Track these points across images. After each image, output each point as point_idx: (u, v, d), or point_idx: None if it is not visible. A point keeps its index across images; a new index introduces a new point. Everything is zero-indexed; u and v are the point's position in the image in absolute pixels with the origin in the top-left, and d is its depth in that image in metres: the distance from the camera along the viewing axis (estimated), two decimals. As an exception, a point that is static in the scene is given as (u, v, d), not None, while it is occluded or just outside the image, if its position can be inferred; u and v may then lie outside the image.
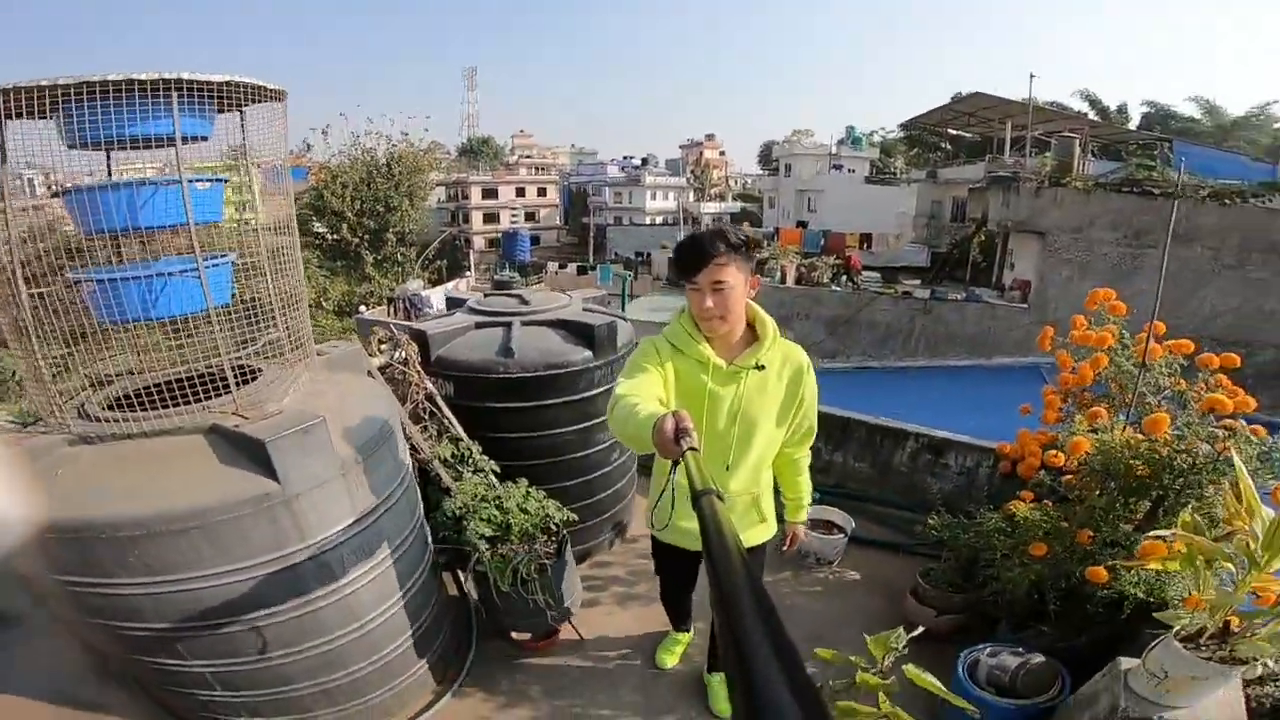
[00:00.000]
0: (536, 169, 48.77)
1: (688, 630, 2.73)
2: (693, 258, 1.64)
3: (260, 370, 2.18)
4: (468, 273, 28.95)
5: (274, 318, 2.13)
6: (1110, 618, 2.42)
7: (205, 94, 1.90)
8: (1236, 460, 1.86)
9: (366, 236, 23.12)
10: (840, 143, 33.84)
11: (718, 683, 2.53)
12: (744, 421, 1.80)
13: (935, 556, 3.38)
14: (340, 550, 1.93)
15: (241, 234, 2.09)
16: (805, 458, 2.10)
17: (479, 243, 38.04)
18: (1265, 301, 10.74)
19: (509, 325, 3.01)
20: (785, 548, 2.29)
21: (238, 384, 1.96)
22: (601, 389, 3.04)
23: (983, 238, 15.23)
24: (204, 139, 2.07)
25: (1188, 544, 1.79)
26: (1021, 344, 12.24)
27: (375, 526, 2.05)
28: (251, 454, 1.75)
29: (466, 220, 39.81)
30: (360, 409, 2.19)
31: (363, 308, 19.87)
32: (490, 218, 40.42)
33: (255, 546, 1.77)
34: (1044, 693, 2.31)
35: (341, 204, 22.10)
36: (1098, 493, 2.46)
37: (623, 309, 7.16)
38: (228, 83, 1.88)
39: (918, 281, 15.59)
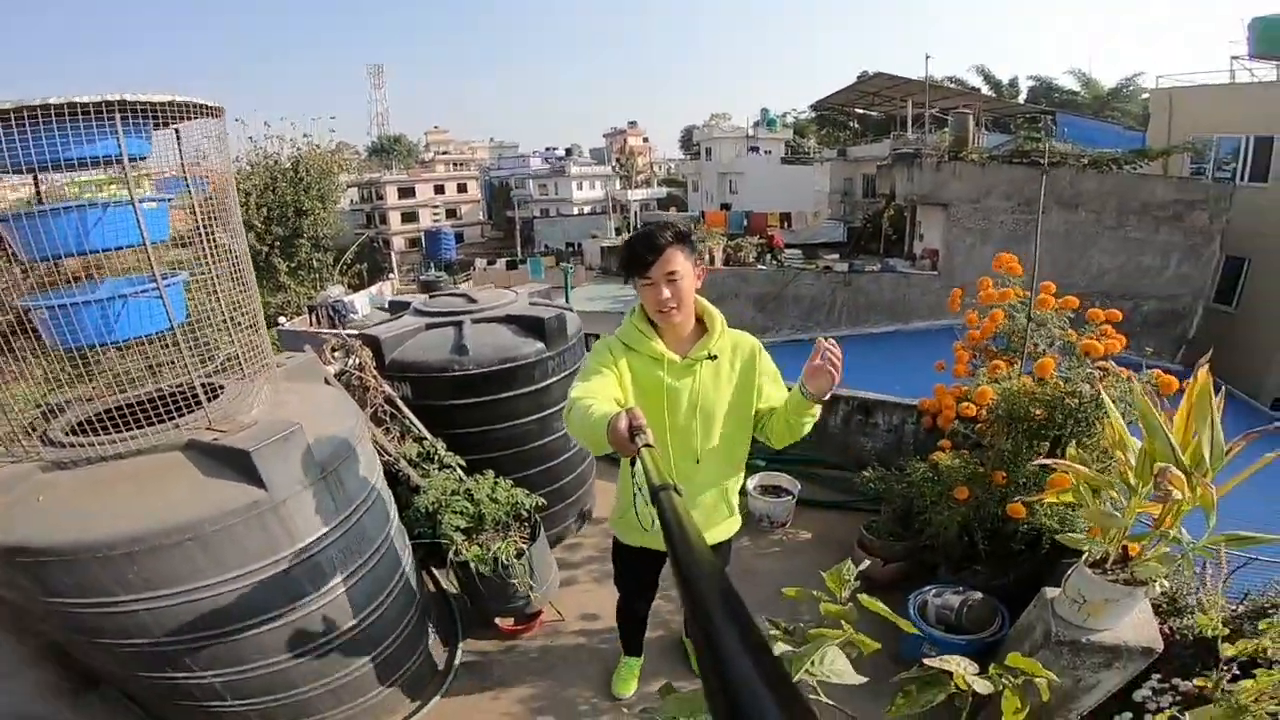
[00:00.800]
0: (454, 165, 47.52)
1: (639, 656, 2.65)
2: (644, 252, 1.66)
3: (221, 386, 2.19)
4: (390, 275, 27.99)
5: (230, 332, 2.15)
6: (1032, 554, 2.70)
7: (145, 113, 1.90)
8: (1105, 398, 2.15)
9: (277, 244, 21.99)
10: (756, 125, 34.66)
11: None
12: (704, 412, 1.82)
13: (875, 510, 3.70)
14: (329, 552, 2.00)
15: (198, 247, 2.08)
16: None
17: (399, 243, 36.83)
18: (1144, 258, 11.96)
19: (460, 324, 3.09)
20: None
21: (207, 399, 1.98)
22: (555, 378, 3.17)
23: (893, 212, 16.11)
24: (143, 158, 2.05)
25: (1074, 474, 2.02)
26: (935, 308, 13.07)
27: (358, 526, 2.12)
28: (236, 465, 1.80)
29: (384, 221, 38.45)
30: (326, 415, 2.24)
31: (281, 319, 18.94)
32: (409, 217, 39.19)
33: (249, 554, 1.82)
34: (987, 628, 2.55)
35: (246, 212, 20.92)
36: (1005, 437, 2.78)
37: (566, 300, 7.23)
38: (170, 103, 1.88)
39: (836, 256, 16.30)
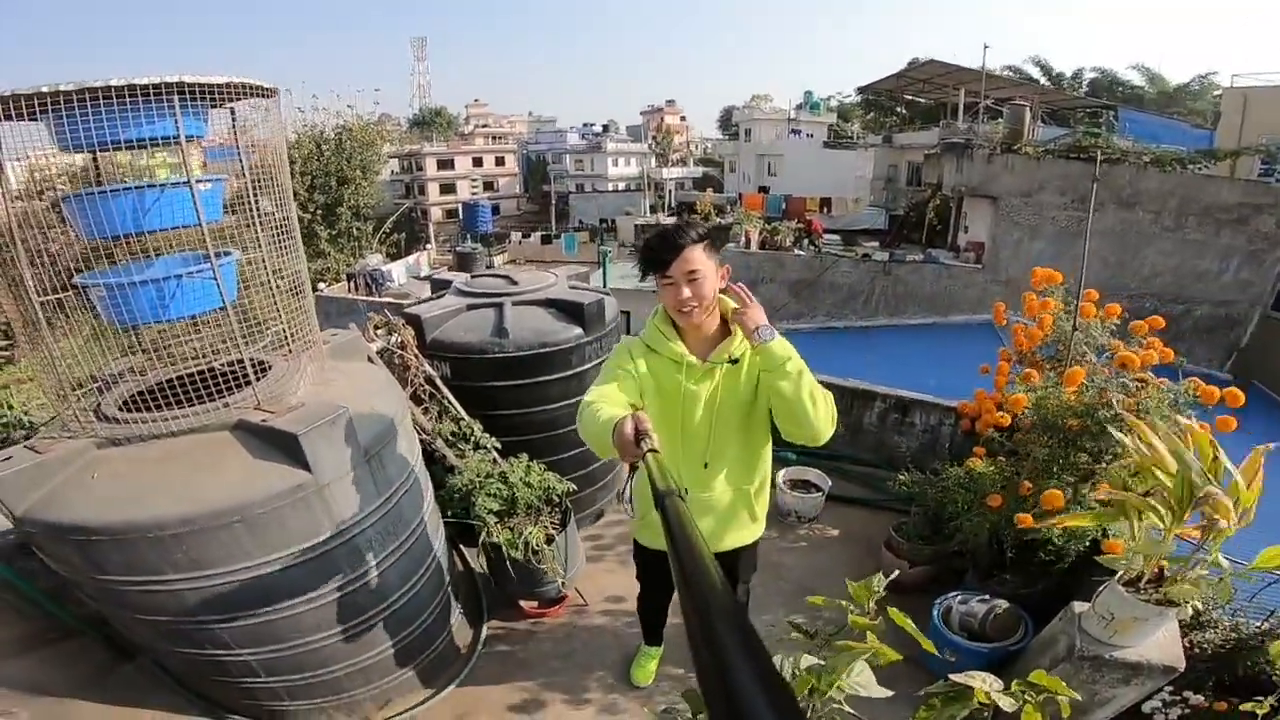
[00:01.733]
0: (493, 138, 47.55)
1: (659, 645, 2.68)
2: (663, 250, 1.63)
3: (268, 364, 2.25)
4: (428, 245, 28.37)
5: (279, 310, 2.20)
6: (1060, 565, 2.65)
7: (201, 94, 1.93)
8: (1130, 419, 2.05)
9: (319, 212, 22.41)
10: (798, 107, 33.91)
11: None
12: (721, 417, 1.78)
13: (905, 511, 3.65)
14: (368, 533, 2.05)
15: (246, 225, 2.13)
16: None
17: (436, 214, 37.18)
18: (1200, 262, 11.41)
19: (500, 306, 3.11)
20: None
21: (256, 377, 2.04)
22: (592, 363, 3.19)
23: (938, 202, 15.64)
24: (200, 138, 2.10)
25: (1119, 500, 1.96)
26: (977, 302, 12.71)
27: (396, 508, 2.17)
28: (283, 447, 1.84)
29: (422, 192, 38.77)
30: (371, 396, 2.29)
31: (321, 284, 19.37)
32: (447, 189, 39.45)
33: (293, 535, 1.87)
34: (1010, 636, 2.52)
35: (290, 180, 21.30)
36: (1041, 446, 2.71)
37: (604, 284, 7.18)
38: (227, 84, 1.91)
39: (876, 244, 15.94)
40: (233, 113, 2.17)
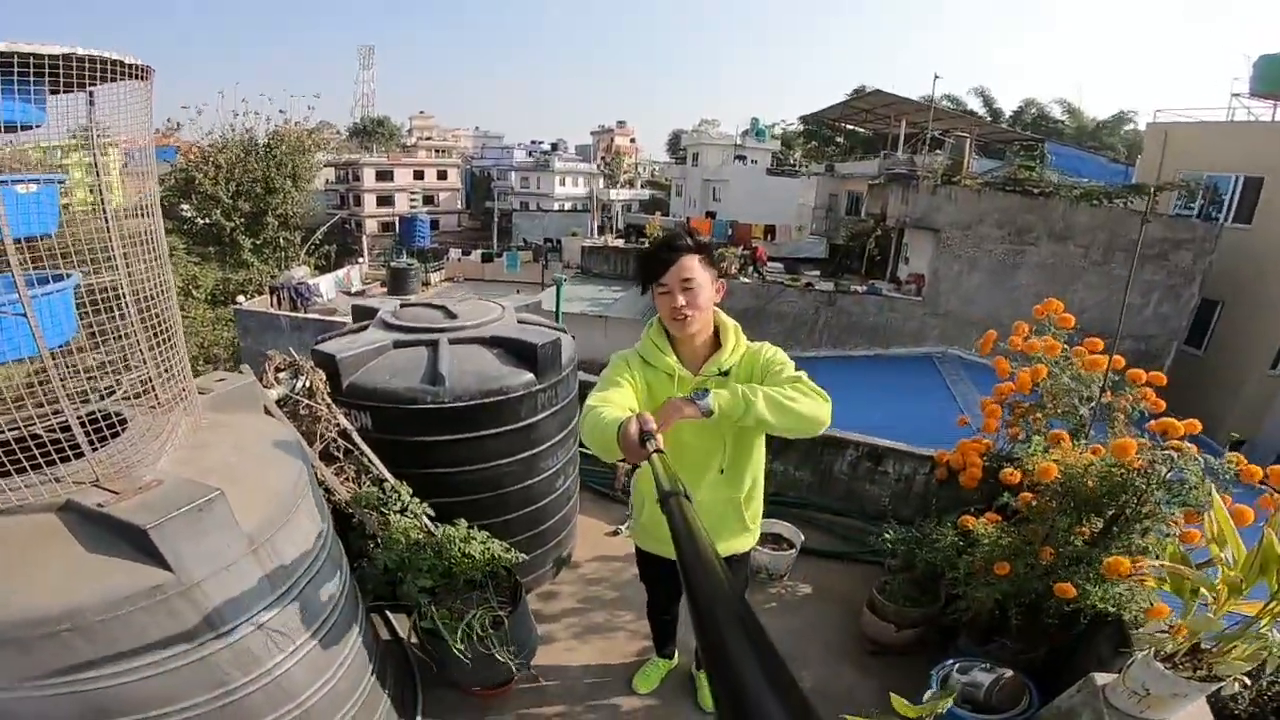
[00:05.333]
0: (437, 151, 46.40)
1: (670, 657, 2.65)
2: (660, 258, 1.65)
3: (123, 419, 1.72)
4: (360, 258, 27.05)
5: (139, 350, 1.68)
6: (1068, 630, 2.50)
7: (37, 71, 1.43)
8: (1215, 495, 1.90)
9: (242, 220, 21.07)
10: (745, 134, 34.51)
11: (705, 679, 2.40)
12: (708, 429, 1.73)
13: (879, 564, 3.39)
14: (261, 633, 1.57)
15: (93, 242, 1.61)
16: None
17: (372, 226, 35.80)
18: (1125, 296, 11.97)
19: (435, 345, 2.64)
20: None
21: (93, 444, 1.51)
22: (545, 413, 2.74)
23: (880, 233, 15.97)
24: (34, 128, 1.58)
25: (1175, 575, 1.83)
26: (916, 334, 12.97)
27: (299, 599, 1.68)
28: (130, 541, 1.36)
29: (358, 203, 37.33)
30: (263, 462, 1.80)
31: (241, 297, 18.07)
32: (384, 200, 38.12)
33: (155, 641, 1.42)
34: (1015, 706, 2.36)
35: (214, 186, 20.01)
36: (1060, 512, 2.48)
37: (558, 318, 6.57)
38: (68, 56, 1.42)
39: (817, 273, 16.13)
40: (90, 95, 1.67)
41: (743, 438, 1.85)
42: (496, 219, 35.07)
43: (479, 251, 27.24)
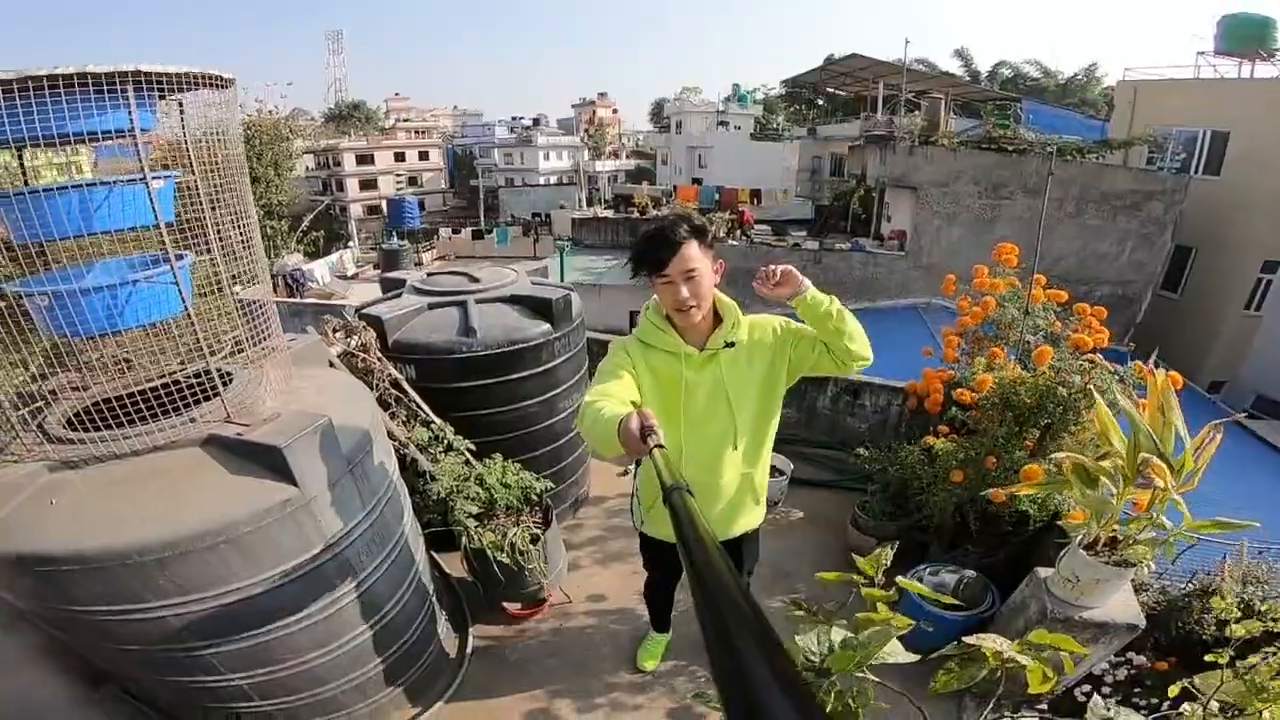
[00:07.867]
0: (416, 132, 45.85)
1: (666, 631, 2.71)
2: (661, 249, 1.60)
3: (228, 372, 2.11)
4: (350, 243, 27.12)
5: (238, 315, 2.07)
6: (1020, 534, 2.87)
7: (153, 85, 1.78)
8: (1096, 396, 2.26)
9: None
10: (727, 100, 34.42)
11: None
12: (730, 400, 1.78)
13: (862, 489, 3.83)
14: (356, 546, 1.96)
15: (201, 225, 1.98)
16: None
17: (357, 210, 35.63)
18: (1099, 245, 12.42)
19: (464, 304, 3.03)
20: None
21: (221, 387, 1.91)
22: (561, 358, 3.16)
23: (862, 192, 16.29)
24: (147, 130, 1.93)
25: (1078, 465, 2.11)
26: (901, 287, 13.38)
27: (381, 518, 2.09)
28: (265, 461, 1.74)
29: (341, 188, 37.04)
30: (344, 402, 2.18)
31: (235, 287, 18.18)
32: (368, 184, 37.85)
33: (283, 553, 1.77)
34: (979, 604, 2.69)
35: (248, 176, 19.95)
36: (999, 423, 2.90)
37: (562, 279, 7.03)
38: (185, 74, 1.77)
39: (804, 233, 16.48)
40: (181, 104, 2.02)
41: (765, 412, 1.86)
42: (483, 196, 34.99)
43: (469, 229, 27.29)
